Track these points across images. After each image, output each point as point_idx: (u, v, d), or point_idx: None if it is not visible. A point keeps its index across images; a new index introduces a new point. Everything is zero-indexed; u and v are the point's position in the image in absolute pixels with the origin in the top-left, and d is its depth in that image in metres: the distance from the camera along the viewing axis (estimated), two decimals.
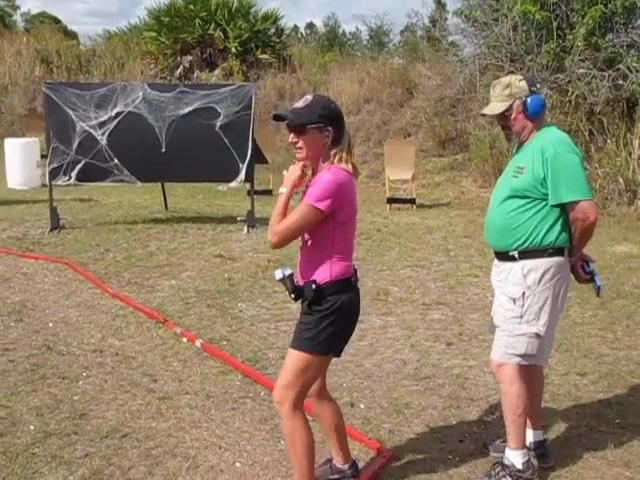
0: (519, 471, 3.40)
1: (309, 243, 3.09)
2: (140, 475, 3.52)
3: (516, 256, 3.39)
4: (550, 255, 3.35)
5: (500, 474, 3.41)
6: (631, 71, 11.30)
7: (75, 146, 9.19)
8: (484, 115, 3.61)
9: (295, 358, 3.09)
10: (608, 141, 11.41)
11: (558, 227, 3.35)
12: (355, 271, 3.18)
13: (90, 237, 8.99)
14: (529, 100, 3.37)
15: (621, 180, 10.80)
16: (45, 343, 5.35)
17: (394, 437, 3.93)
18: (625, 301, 6.42)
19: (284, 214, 3.02)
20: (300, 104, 3.05)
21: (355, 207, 3.09)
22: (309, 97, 3.07)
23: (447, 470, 3.58)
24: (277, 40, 21.04)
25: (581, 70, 11.59)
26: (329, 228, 3.02)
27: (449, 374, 4.84)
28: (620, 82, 11.50)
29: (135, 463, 3.63)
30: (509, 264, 3.43)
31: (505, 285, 3.45)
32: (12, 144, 13.61)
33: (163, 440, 3.88)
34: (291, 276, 3.06)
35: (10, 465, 3.57)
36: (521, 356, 3.39)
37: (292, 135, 3.04)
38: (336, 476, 3.46)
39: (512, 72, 10.20)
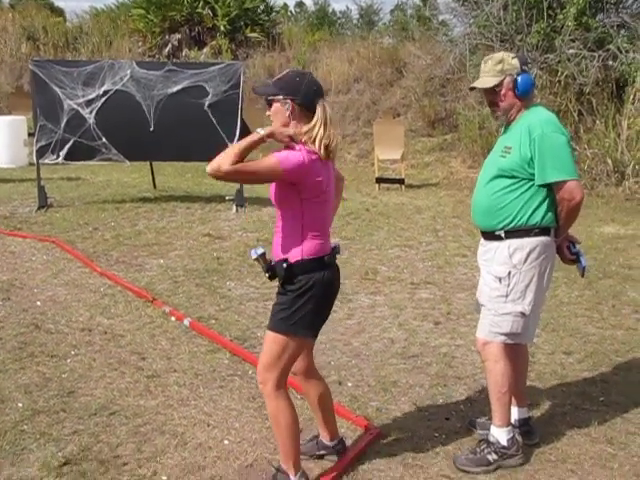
0: (504, 448, 3.44)
1: (281, 221, 3.07)
2: (128, 452, 3.54)
3: (502, 235, 3.39)
4: (536, 235, 3.36)
5: (485, 451, 3.44)
6: (621, 52, 11.31)
7: (63, 124, 9.13)
8: (473, 89, 3.58)
9: (272, 339, 3.07)
10: (597, 122, 11.43)
11: (544, 207, 3.35)
12: (333, 249, 3.14)
13: (78, 216, 8.95)
14: (519, 79, 3.36)
15: (609, 161, 10.83)
16: (33, 322, 5.35)
17: (381, 415, 3.96)
18: (611, 281, 6.46)
19: (246, 152, 2.89)
20: (275, 77, 3.08)
21: (324, 187, 3.01)
22: (286, 71, 3.10)
23: (434, 447, 3.61)
24: (266, 18, 20.90)
25: (571, 50, 11.59)
26: (297, 205, 2.98)
27: (436, 353, 4.87)
28: (610, 63, 11.51)
29: (123, 440, 3.65)
30: (495, 243, 3.44)
31: (491, 264, 3.46)
32: None
33: (151, 417, 3.89)
34: (263, 255, 3.04)
35: None
36: (506, 335, 3.41)
37: (266, 108, 3.07)
38: (322, 452, 3.48)
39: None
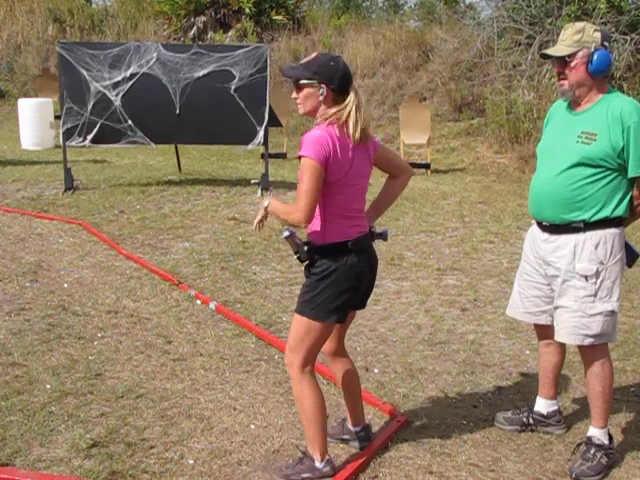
0: (610, 448, 3.33)
1: None
2: (155, 435, 3.55)
3: (581, 227, 3.18)
4: (614, 225, 3.18)
5: (597, 455, 3.27)
6: None
7: (90, 107, 9.13)
8: (546, 56, 3.30)
9: (296, 322, 3.10)
10: None
11: (627, 199, 3.17)
12: (365, 235, 3.14)
13: (104, 198, 8.98)
14: (596, 54, 3.09)
15: None
16: (60, 303, 5.38)
17: (408, 402, 3.94)
18: None
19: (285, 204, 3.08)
20: (303, 60, 3.06)
21: (348, 168, 2.99)
22: (315, 54, 3.08)
23: (461, 435, 3.58)
24: (291, 1, 20.72)
25: None
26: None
27: (463, 340, 4.83)
28: None
29: (150, 423, 3.66)
30: (570, 237, 3.21)
31: (571, 261, 3.22)
32: (26, 104, 13.55)
33: (178, 401, 3.90)
34: (290, 236, 3.06)
35: (28, 422, 3.61)
36: (595, 336, 3.22)
37: (294, 91, 3.06)
38: (347, 436, 3.48)
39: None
